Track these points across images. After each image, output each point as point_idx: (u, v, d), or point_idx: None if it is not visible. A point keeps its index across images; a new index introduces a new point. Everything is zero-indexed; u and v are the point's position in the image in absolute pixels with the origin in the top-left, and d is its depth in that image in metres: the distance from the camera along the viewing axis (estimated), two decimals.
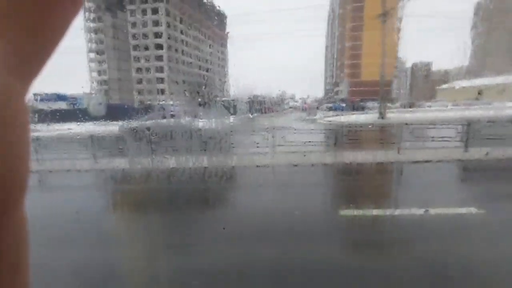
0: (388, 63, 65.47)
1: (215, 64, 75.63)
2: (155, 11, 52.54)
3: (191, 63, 62.87)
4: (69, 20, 0.20)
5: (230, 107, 24.51)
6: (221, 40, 78.14)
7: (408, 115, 17.17)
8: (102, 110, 30.76)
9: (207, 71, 70.97)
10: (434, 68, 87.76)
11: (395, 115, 17.97)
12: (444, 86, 53.63)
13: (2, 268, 0.18)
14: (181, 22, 57.96)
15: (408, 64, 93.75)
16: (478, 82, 41.31)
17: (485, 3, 64.26)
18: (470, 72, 64.73)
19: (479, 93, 33.44)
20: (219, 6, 74.31)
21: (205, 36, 69.01)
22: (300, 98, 69.15)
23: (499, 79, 34.53)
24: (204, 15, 66.82)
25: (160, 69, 54.09)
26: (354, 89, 67.15)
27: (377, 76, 69.80)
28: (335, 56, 77.62)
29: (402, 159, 7.21)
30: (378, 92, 73.13)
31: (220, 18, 77.06)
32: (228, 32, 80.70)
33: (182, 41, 59.03)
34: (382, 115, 16.31)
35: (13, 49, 0.17)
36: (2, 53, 0.17)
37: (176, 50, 56.81)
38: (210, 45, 71.63)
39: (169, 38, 54.09)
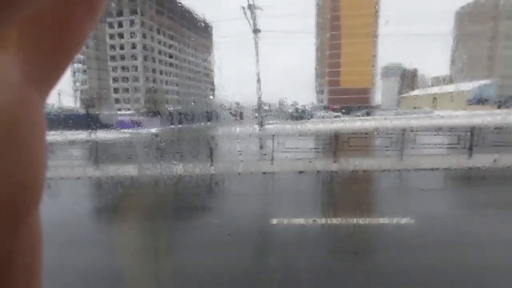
0: (366, 71, 66.00)
1: (199, 72, 76.74)
2: (131, 23, 54.00)
3: (170, 72, 64.08)
4: (87, 32, 0.20)
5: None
6: (206, 48, 79.32)
7: (289, 127, 17.14)
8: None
9: (189, 79, 72.11)
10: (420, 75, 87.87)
11: (274, 126, 17.88)
12: (406, 94, 53.59)
13: (17, 272, 0.18)
14: (158, 32, 59.33)
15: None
16: (434, 90, 41.27)
17: (464, 11, 64.22)
18: (452, 79, 64.47)
19: (433, 102, 33.46)
20: (203, 15, 75.83)
21: (187, 46, 70.31)
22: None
23: (451, 88, 34.50)
24: (185, 25, 68.19)
25: (135, 79, 55.31)
26: (334, 97, 67.45)
27: (355, 84, 70.15)
28: (317, 65, 78.24)
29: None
30: (356, 99, 72.94)
31: (204, 27, 78.40)
32: (213, 41, 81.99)
33: (160, 51, 60.34)
34: (261, 126, 16.48)
35: (32, 60, 0.18)
36: (22, 65, 0.17)
37: (153, 59, 58.07)
38: (192, 54, 72.85)
39: (145, 48, 55.40)
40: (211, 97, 75.29)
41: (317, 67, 74.58)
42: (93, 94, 56.97)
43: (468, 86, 31.47)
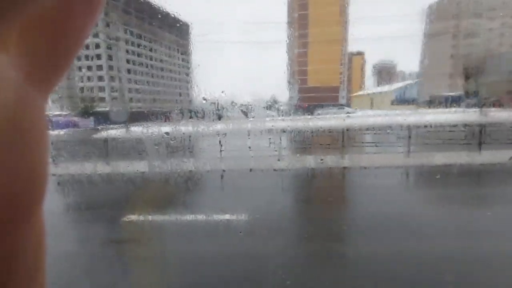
0: (333, 69, 66.53)
1: (174, 71, 77.47)
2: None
3: (141, 71, 64.87)
4: (87, 31, 0.20)
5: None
6: (182, 47, 79.86)
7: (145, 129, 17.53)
8: None
9: (162, 78, 72.92)
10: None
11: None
12: (355, 94, 54.20)
13: (20, 273, 0.18)
14: (125, 32, 60.04)
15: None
16: (374, 90, 41.83)
17: (433, 8, 64.41)
18: (420, 76, 64.91)
19: (371, 102, 34.11)
20: (177, 13, 76.17)
21: (159, 45, 70.98)
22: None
23: (386, 88, 35.06)
24: (158, 24, 68.83)
25: (100, 78, 56.15)
26: (303, 95, 68.04)
27: (322, 82, 70.67)
28: (288, 64, 78.78)
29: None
30: (323, 97, 73.47)
31: (180, 26, 78.84)
32: (190, 40, 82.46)
33: (127, 50, 61.08)
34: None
35: (33, 59, 0.18)
36: (21, 63, 0.17)
37: (119, 59, 58.84)
38: (165, 53, 73.53)
39: (109, 48, 56.16)
40: (180, 96, 76.36)
41: (288, 65, 75.20)
42: (60, 94, 57.87)
43: (394, 86, 32.09)
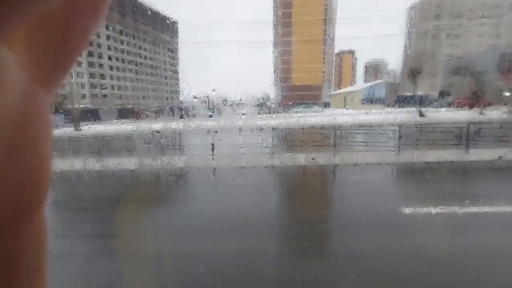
0: (316, 68, 66.81)
1: (160, 68, 76.96)
2: None
3: (124, 68, 64.31)
4: (91, 31, 0.20)
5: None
6: (169, 45, 79.31)
7: (103, 128, 17.83)
8: None
9: (147, 75, 72.42)
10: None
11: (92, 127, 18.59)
12: (333, 92, 54.84)
13: (22, 271, 0.18)
14: (107, 28, 59.39)
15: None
16: (348, 89, 42.41)
17: (415, 8, 65.13)
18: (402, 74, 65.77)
19: (344, 100, 34.55)
20: (164, 11, 75.52)
21: (144, 41, 70.39)
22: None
23: (357, 87, 35.57)
24: (144, 22, 68.20)
25: (80, 75, 55.50)
26: (287, 93, 68.25)
27: (305, 80, 70.92)
28: (274, 62, 78.91)
29: None
30: (307, 96, 73.94)
31: (167, 24, 78.24)
32: (178, 38, 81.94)
33: (109, 47, 60.45)
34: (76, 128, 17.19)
35: (40, 61, 0.18)
36: (28, 63, 0.17)
37: (100, 56, 58.23)
38: (150, 50, 72.96)
39: (89, 44, 55.59)
40: (168, 93, 75.96)
41: (274, 64, 75.28)
42: None
43: (364, 85, 32.57)
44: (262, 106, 42.26)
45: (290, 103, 59.45)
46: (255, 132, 13.10)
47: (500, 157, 7.48)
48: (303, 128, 14.97)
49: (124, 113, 29.92)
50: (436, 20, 60.71)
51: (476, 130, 8.44)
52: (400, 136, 9.17)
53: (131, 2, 62.63)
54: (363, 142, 9.76)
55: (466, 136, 8.33)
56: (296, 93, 65.70)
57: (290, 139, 11.99)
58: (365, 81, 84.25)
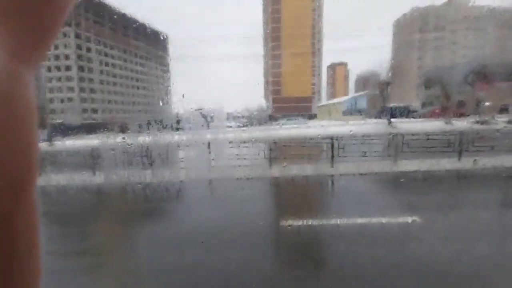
0: (305, 80, 67.73)
1: (151, 82, 77.63)
2: (64, 34, 54.81)
3: (114, 83, 64.89)
4: (69, 4, 0.20)
5: None
6: (160, 59, 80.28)
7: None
8: None
9: (137, 89, 73.01)
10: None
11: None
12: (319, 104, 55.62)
13: (15, 251, 0.18)
14: (99, 43, 60.28)
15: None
16: (333, 101, 43.00)
17: (401, 21, 66.98)
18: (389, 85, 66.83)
19: (329, 112, 34.95)
20: (151, 24, 76.84)
21: (134, 55, 71.32)
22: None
23: (340, 99, 36.12)
24: (134, 36, 69.31)
25: (71, 89, 55.92)
26: (277, 105, 68.94)
27: (294, 93, 71.57)
28: (264, 75, 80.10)
29: None
30: (297, 107, 74.12)
31: (157, 38, 79.45)
32: (167, 51, 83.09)
33: (101, 61, 61.18)
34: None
35: (14, 33, 0.17)
36: (6, 41, 0.17)
37: (90, 70, 58.85)
38: (140, 64, 73.84)
39: (80, 59, 56.20)
40: (156, 106, 76.25)
41: (264, 76, 76.27)
42: None
43: (346, 98, 33.11)
44: (250, 118, 42.74)
45: (279, 115, 60.08)
46: (227, 145, 13.04)
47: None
48: (274, 142, 14.82)
49: (107, 127, 30.01)
50: (420, 33, 62.31)
51: (405, 141, 8.48)
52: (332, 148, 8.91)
53: (121, 16, 63.91)
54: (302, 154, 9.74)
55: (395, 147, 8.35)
56: (287, 105, 66.43)
57: (257, 153, 11.74)
58: (356, 92, 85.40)
